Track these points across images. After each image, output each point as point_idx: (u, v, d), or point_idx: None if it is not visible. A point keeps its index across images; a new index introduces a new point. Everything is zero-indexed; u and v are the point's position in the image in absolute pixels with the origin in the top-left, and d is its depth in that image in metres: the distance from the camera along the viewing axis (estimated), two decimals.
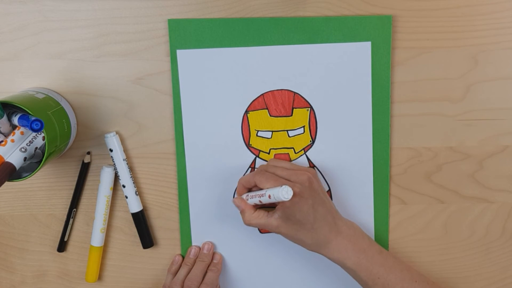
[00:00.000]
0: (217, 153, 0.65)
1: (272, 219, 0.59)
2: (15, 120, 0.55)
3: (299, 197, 0.57)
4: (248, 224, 0.60)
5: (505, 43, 0.63)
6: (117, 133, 0.64)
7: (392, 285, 0.58)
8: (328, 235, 0.59)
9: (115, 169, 0.64)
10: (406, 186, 0.66)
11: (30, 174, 0.56)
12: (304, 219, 0.58)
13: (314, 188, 0.59)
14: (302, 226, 0.58)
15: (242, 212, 0.61)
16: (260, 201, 0.58)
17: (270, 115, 0.64)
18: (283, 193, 0.54)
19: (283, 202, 0.57)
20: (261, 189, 0.59)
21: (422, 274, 0.61)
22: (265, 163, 0.65)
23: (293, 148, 0.65)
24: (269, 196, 0.56)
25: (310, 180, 0.58)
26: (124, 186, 0.64)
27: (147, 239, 0.66)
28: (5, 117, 0.55)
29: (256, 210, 0.60)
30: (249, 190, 0.62)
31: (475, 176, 0.66)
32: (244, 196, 0.62)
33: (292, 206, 0.57)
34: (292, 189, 0.54)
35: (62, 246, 0.67)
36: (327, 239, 0.59)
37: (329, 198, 0.62)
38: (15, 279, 0.68)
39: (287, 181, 0.58)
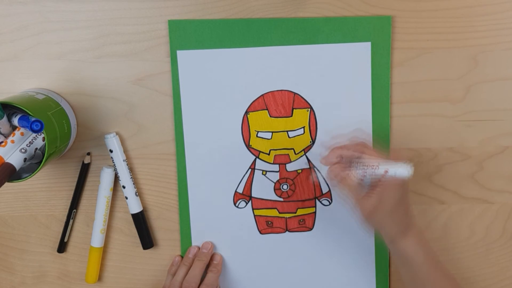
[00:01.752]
0: (217, 154, 0.65)
1: (372, 198, 0.54)
2: (15, 121, 0.56)
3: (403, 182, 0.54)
4: (349, 190, 0.55)
5: (505, 43, 0.63)
6: (117, 133, 0.64)
7: None
8: (409, 225, 0.57)
9: (115, 169, 0.64)
10: None
11: (30, 175, 0.56)
12: (399, 204, 0.55)
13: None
14: (393, 211, 0.55)
15: (342, 180, 0.55)
16: (364, 175, 0.54)
17: (270, 116, 0.64)
18: (405, 169, 0.50)
19: (383, 183, 0.53)
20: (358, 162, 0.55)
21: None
22: (265, 164, 0.65)
23: (293, 149, 0.65)
24: (386, 171, 0.52)
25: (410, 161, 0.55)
26: (124, 187, 0.64)
27: (147, 240, 0.66)
28: (5, 118, 0.55)
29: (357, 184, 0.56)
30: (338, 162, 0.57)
31: (475, 177, 0.66)
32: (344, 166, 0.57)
33: (394, 189, 0.54)
34: (408, 154, 0.52)
35: (62, 247, 0.67)
36: (407, 229, 0.56)
37: None
38: (15, 280, 0.68)
39: (394, 153, 0.55)
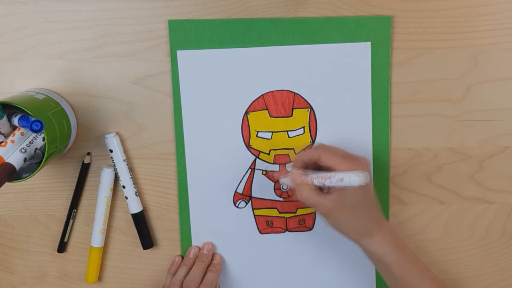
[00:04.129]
0: (217, 154, 0.65)
1: (328, 200, 0.55)
2: (15, 120, 0.56)
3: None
4: (302, 199, 0.56)
5: (505, 43, 0.63)
6: (117, 133, 0.64)
7: (426, 286, 0.57)
8: (375, 225, 0.57)
9: (115, 169, 0.64)
10: (406, 186, 0.66)
11: (30, 174, 0.56)
12: (359, 206, 0.56)
13: (371, 176, 0.57)
14: (354, 212, 0.56)
15: (297, 186, 0.57)
16: (323, 184, 0.55)
17: (270, 116, 0.64)
18: (358, 177, 0.51)
19: (342, 187, 0.54)
20: (320, 166, 0.57)
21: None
22: (265, 163, 0.65)
23: (293, 149, 0.65)
24: (341, 179, 0.52)
25: (368, 167, 0.56)
26: (124, 187, 0.64)
27: (147, 240, 0.66)
28: (5, 117, 0.55)
29: (313, 187, 0.56)
30: (306, 166, 0.59)
31: (475, 176, 0.66)
32: (300, 172, 0.58)
33: (353, 190, 0.55)
34: (363, 161, 0.53)
35: (62, 247, 0.67)
36: (373, 229, 0.57)
37: None
38: (15, 279, 0.68)
39: (352, 159, 0.55)
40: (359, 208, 0.56)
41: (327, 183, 0.54)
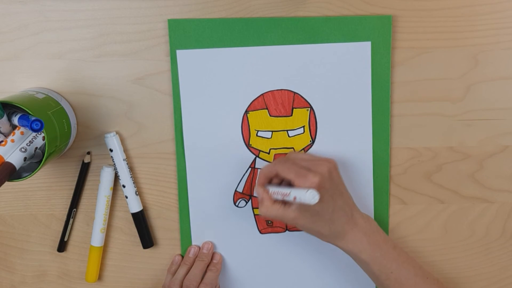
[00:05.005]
0: (217, 153, 0.65)
1: (290, 211, 0.57)
2: (15, 120, 0.56)
3: (319, 188, 0.56)
4: (265, 215, 0.58)
5: (505, 43, 0.63)
6: (117, 133, 0.64)
7: (405, 280, 0.58)
8: (345, 227, 0.59)
9: (115, 169, 0.64)
10: (406, 186, 0.66)
11: (30, 174, 0.56)
12: (322, 210, 0.57)
13: (334, 179, 0.58)
14: (320, 217, 0.58)
15: (260, 202, 0.59)
16: (284, 200, 0.57)
17: (270, 115, 0.64)
18: (310, 196, 0.52)
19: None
20: (282, 179, 0.59)
21: (431, 272, 0.61)
22: (265, 163, 0.65)
23: (293, 148, 0.65)
24: (294, 198, 0.54)
25: (330, 171, 0.58)
26: (124, 186, 0.64)
27: (147, 239, 0.66)
28: (5, 117, 0.55)
29: (275, 201, 0.59)
30: (270, 180, 0.61)
31: (475, 176, 0.66)
32: (267, 187, 0.60)
33: (309, 206, 0.56)
34: (312, 180, 0.54)
35: (62, 246, 0.67)
36: (344, 231, 0.59)
37: (347, 190, 0.61)
38: (15, 279, 0.69)
39: (308, 171, 0.57)
40: (326, 213, 0.58)
41: (286, 199, 0.56)
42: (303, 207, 0.57)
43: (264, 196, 0.59)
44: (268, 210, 0.58)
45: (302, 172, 0.57)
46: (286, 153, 0.65)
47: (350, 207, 0.60)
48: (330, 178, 0.58)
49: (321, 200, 0.56)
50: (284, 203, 0.58)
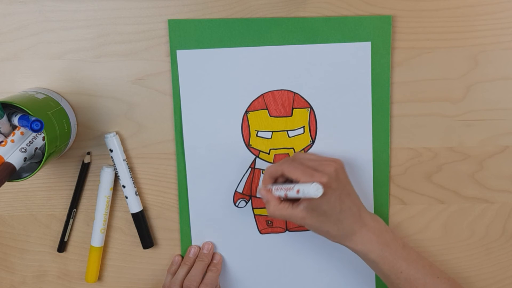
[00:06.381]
0: (217, 153, 0.65)
1: (298, 211, 0.57)
2: (15, 120, 0.56)
3: (326, 188, 0.55)
4: (272, 215, 0.58)
5: (505, 43, 0.63)
6: (117, 133, 0.64)
7: (415, 279, 0.58)
8: (353, 227, 0.58)
9: (115, 169, 0.64)
10: (406, 186, 0.66)
11: (30, 174, 0.56)
12: (330, 210, 0.57)
13: (341, 179, 0.58)
14: (327, 217, 0.57)
15: (267, 203, 0.59)
16: (286, 195, 0.57)
17: (270, 115, 0.64)
18: (313, 189, 0.52)
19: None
20: (287, 179, 0.59)
21: (443, 271, 0.61)
22: (265, 163, 0.65)
23: (293, 148, 0.65)
24: (297, 191, 0.54)
25: (337, 171, 0.58)
26: (124, 187, 0.64)
27: (147, 240, 0.66)
28: (5, 117, 0.55)
29: (282, 201, 0.59)
30: (275, 180, 0.61)
31: (475, 176, 0.66)
32: (269, 186, 0.60)
33: (320, 198, 0.56)
34: (320, 180, 0.54)
35: (62, 246, 0.67)
36: (352, 231, 0.58)
37: (355, 190, 0.61)
38: (15, 279, 0.69)
39: (314, 171, 0.57)
40: (333, 213, 0.57)
41: (289, 194, 0.56)
42: (311, 207, 0.57)
43: (269, 196, 0.59)
44: (276, 210, 0.58)
45: (309, 172, 0.56)
46: (286, 154, 0.65)
47: (358, 207, 0.60)
48: (337, 178, 0.58)
49: (328, 200, 0.56)
50: (292, 202, 0.58)
